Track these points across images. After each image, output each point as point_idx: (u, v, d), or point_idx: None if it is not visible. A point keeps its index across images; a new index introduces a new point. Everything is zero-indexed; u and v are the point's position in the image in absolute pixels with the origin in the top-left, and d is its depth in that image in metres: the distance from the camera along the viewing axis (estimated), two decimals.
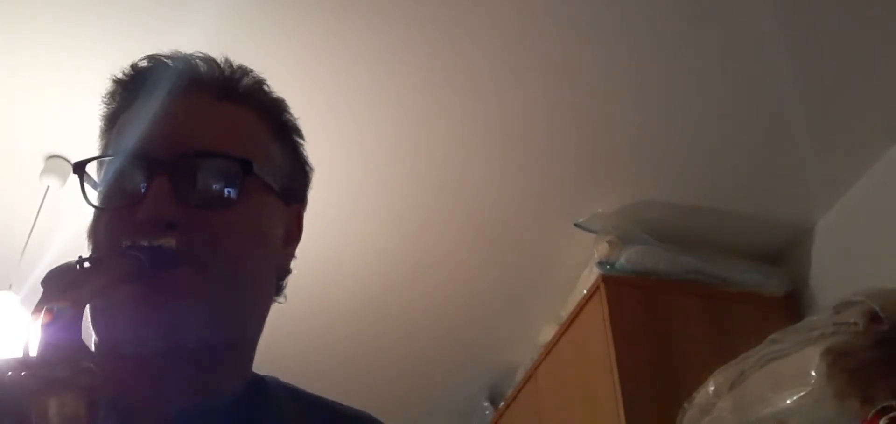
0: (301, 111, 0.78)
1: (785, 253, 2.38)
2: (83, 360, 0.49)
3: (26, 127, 1.96)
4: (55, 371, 0.48)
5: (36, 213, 2.04)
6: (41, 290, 0.53)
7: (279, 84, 0.77)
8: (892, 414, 1.26)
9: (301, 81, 1.86)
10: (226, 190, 0.66)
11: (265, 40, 1.76)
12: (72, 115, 1.90)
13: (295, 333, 2.55)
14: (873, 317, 1.39)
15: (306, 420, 0.73)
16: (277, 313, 0.77)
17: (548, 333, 2.51)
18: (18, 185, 2.07)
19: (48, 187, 2.03)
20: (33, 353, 0.49)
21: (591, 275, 2.25)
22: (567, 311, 2.36)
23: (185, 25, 1.67)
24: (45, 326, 0.50)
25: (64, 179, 2.02)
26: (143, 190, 0.63)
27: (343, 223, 2.30)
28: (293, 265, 0.76)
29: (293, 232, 0.76)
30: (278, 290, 0.74)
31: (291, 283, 0.76)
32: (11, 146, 2.01)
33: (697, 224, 2.30)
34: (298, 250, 0.77)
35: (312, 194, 0.80)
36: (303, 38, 1.79)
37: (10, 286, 1.98)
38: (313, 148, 0.79)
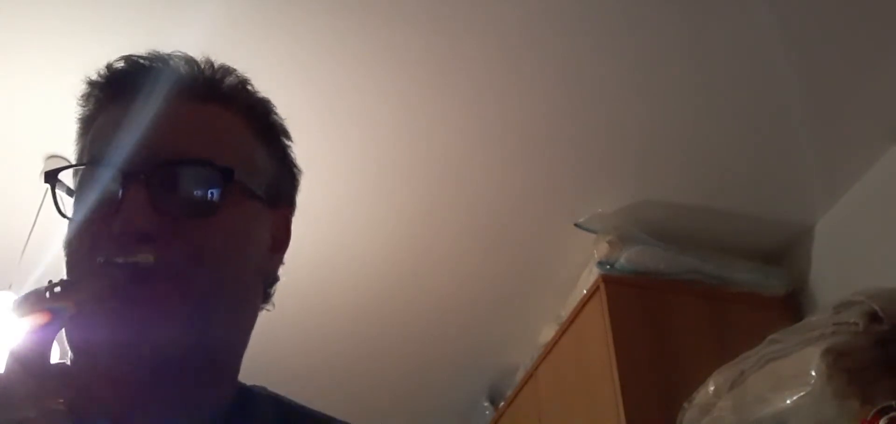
0: (299, 110, 0.78)
1: (785, 253, 2.37)
2: (49, 397, 0.47)
3: (26, 127, 1.96)
4: (21, 412, 0.46)
5: (36, 213, 2.04)
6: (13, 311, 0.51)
7: (277, 84, 0.76)
8: (892, 414, 1.26)
9: (300, 80, 1.85)
10: (207, 198, 0.62)
11: (264, 40, 1.76)
12: (72, 115, 1.89)
13: (294, 335, 2.55)
14: (873, 317, 1.39)
15: None
16: (278, 316, 0.75)
17: (548, 333, 2.51)
18: (18, 185, 2.07)
19: (48, 187, 2.03)
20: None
21: (591, 275, 2.25)
22: (567, 311, 2.36)
23: (184, 26, 1.67)
24: (10, 359, 0.48)
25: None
26: (119, 200, 0.60)
27: (342, 224, 2.30)
28: (282, 271, 0.73)
29: (280, 238, 0.72)
30: (266, 298, 0.71)
31: (290, 285, 0.74)
32: (11, 146, 2.01)
33: (697, 224, 2.30)
34: (298, 253, 0.76)
35: (311, 195, 0.78)
36: (302, 38, 1.79)
37: (10, 286, 1.99)
38: (312, 148, 0.79)
